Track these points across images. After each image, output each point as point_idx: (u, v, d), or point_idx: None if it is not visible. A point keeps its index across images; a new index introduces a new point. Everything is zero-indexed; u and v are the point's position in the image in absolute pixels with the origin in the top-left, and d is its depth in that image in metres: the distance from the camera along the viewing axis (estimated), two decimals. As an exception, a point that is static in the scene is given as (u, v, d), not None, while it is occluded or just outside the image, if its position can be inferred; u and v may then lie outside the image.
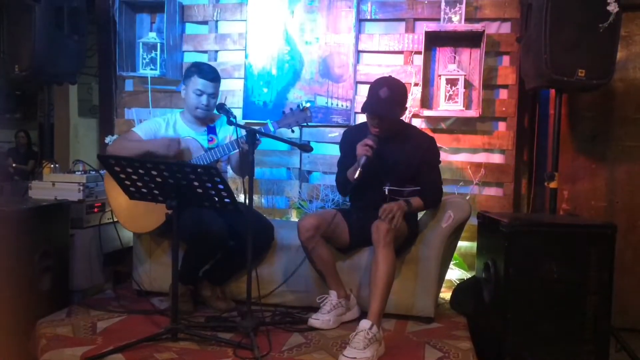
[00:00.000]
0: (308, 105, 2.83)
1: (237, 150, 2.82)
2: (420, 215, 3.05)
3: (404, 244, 2.80)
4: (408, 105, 2.83)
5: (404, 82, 3.59)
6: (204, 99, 2.94)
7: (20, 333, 2.62)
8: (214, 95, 2.98)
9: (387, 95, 2.59)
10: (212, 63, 3.90)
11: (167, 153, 2.81)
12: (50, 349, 2.37)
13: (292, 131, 2.85)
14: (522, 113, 3.60)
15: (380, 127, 2.65)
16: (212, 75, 2.95)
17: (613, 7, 2.76)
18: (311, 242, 2.70)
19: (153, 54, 3.87)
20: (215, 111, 2.88)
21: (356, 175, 2.59)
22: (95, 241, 3.22)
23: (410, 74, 3.62)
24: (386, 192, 2.76)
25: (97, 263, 3.27)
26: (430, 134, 3.57)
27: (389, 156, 2.76)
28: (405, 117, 3.55)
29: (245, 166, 2.64)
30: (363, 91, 3.57)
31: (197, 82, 2.93)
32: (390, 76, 2.78)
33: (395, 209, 2.55)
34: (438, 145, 3.56)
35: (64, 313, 2.81)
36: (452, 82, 3.51)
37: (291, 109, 2.85)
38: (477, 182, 3.60)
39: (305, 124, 2.86)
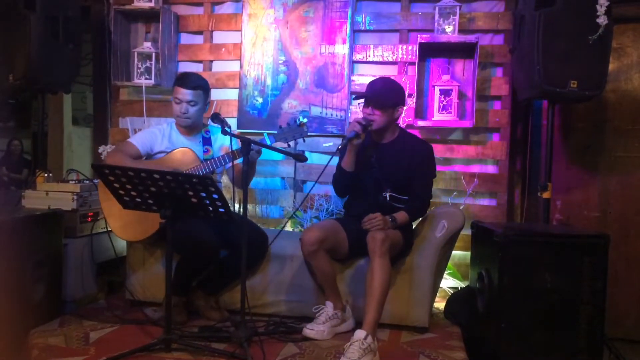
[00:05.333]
0: (305, 120, 2.84)
1: (233, 162, 2.82)
2: (414, 224, 3.06)
3: (399, 254, 2.80)
4: (404, 108, 2.87)
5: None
6: (182, 107, 2.92)
7: (12, 343, 2.59)
8: (194, 103, 2.93)
9: (379, 87, 2.76)
10: (207, 73, 3.93)
11: None
12: (43, 359, 2.35)
13: (288, 145, 2.85)
14: (515, 123, 3.63)
15: (374, 115, 2.71)
16: (190, 83, 2.93)
17: (603, 20, 2.80)
18: (314, 256, 2.69)
19: (148, 64, 3.88)
20: (209, 121, 2.88)
21: (340, 145, 2.71)
22: (88, 250, 3.21)
23: (404, 84, 3.63)
24: (387, 199, 2.77)
25: (90, 273, 3.25)
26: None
27: (389, 162, 2.78)
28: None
29: (246, 177, 2.64)
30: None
31: (176, 91, 2.93)
32: (389, 77, 2.90)
33: (379, 218, 2.60)
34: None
35: (56, 323, 2.79)
36: (445, 93, 3.53)
37: (288, 124, 2.85)
38: (470, 192, 3.61)
39: (301, 138, 2.87)
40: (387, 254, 2.50)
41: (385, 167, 2.79)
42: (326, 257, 2.72)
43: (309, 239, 2.65)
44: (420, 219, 3.15)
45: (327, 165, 2.75)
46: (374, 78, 2.94)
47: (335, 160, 2.83)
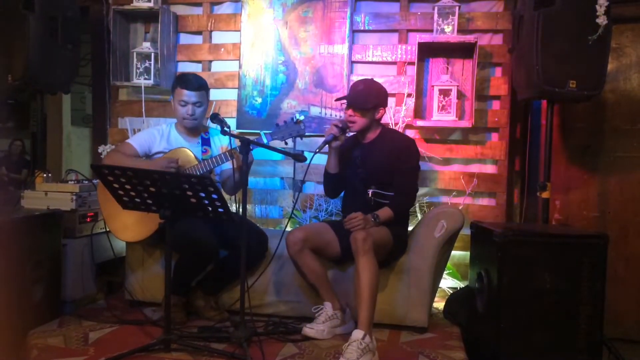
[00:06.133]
0: (302, 118, 2.85)
1: (231, 161, 2.81)
2: (410, 226, 3.06)
3: (393, 253, 2.80)
4: (385, 109, 2.88)
5: (397, 92, 3.66)
6: (189, 109, 2.92)
7: (11, 344, 2.59)
8: (199, 104, 2.94)
9: (360, 89, 2.80)
10: (206, 73, 3.93)
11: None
12: (42, 359, 2.34)
13: (286, 143, 2.85)
14: (514, 123, 3.62)
15: (354, 116, 2.78)
16: (194, 84, 2.92)
17: (602, 20, 2.80)
18: (300, 256, 2.73)
19: (147, 64, 3.88)
20: (209, 121, 2.88)
21: (317, 148, 2.77)
22: (87, 251, 3.21)
23: (403, 84, 3.65)
24: (370, 195, 2.78)
25: (90, 273, 3.25)
26: (424, 144, 3.60)
27: (372, 160, 2.80)
28: (399, 127, 3.58)
29: (238, 183, 2.64)
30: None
31: (180, 93, 2.92)
32: (371, 78, 2.92)
33: (359, 217, 2.62)
34: (431, 155, 3.60)
35: (55, 323, 2.79)
36: (444, 93, 3.53)
37: (285, 122, 2.85)
38: (469, 192, 3.61)
39: (298, 136, 2.87)
40: (370, 252, 2.49)
41: (368, 165, 2.81)
42: (312, 256, 2.75)
43: (292, 239, 2.72)
44: (419, 218, 3.16)
45: (309, 164, 2.76)
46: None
47: (318, 158, 2.84)
